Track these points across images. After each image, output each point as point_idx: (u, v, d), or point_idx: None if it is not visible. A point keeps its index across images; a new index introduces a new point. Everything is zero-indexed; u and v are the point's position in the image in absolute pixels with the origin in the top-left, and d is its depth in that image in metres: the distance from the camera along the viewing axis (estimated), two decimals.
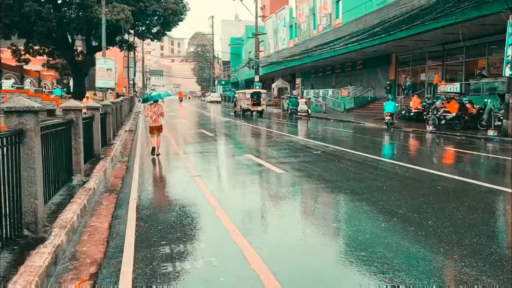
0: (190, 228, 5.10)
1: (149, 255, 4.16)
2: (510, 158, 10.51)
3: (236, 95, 34.09)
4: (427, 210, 5.62)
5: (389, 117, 18.10)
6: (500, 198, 6.48)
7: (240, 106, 29.84)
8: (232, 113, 31.95)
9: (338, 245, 4.46)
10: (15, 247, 3.89)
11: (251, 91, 30.90)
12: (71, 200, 5.66)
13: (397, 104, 19.98)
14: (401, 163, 9.45)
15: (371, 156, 10.41)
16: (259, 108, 29.20)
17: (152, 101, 11.31)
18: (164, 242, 4.50)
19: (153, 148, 10.87)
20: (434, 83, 24.30)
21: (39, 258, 3.68)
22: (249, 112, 29.65)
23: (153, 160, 10.53)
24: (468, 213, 5.47)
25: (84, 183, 6.81)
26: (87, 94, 21.34)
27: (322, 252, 4.29)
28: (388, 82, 28.66)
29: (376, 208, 5.75)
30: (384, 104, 19.05)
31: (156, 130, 11.01)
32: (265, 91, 33.78)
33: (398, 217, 5.34)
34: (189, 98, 68.29)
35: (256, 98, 29.39)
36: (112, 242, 4.59)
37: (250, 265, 3.88)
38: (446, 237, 4.57)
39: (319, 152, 11.48)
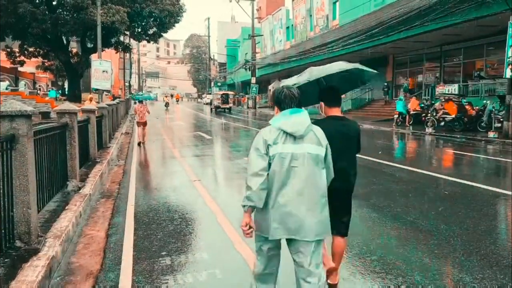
0: (191, 237, 4.88)
1: (148, 267, 3.94)
2: None
3: (211, 96, 45.97)
4: (436, 216, 5.43)
5: (397, 115, 20.55)
6: (510, 203, 6.31)
7: (213, 104, 39.37)
8: (226, 112, 36.89)
9: (347, 255, 4.24)
10: (6, 260, 3.66)
11: (221, 92, 41.44)
12: (66, 207, 5.43)
13: (405, 104, 21.37)
14: (404, 166, 9.27)
15: (373, 159, 10.22)
16: (227, 106, 38.58)
17: (141, 100, 15.12)
18: (164, 253, 4.29)
19: (139, 142, 13.61)
20: (410, 88, 26.08)
21: (32, 272, 3.45)
22: (220, 108, 38.01)
23: (151, 164, 10.32)
24: (479, 220, 5.28)
25: (80, 188, 6.57)
26: (90, 96, 21.21)
27: None
28: (385, 84, 28.52)
29: (384, 215, 5.54)
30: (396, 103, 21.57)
31: (142, 124, 13.76)
32: (232, 92, 45.30)
33: (407, 224, 5.15)
34: (176, 99, 67.65)
35: (225, 98, 38.87)
36: (110, 252, 4.37)
37: None
38: (460, 247, 4.37)
39: None
